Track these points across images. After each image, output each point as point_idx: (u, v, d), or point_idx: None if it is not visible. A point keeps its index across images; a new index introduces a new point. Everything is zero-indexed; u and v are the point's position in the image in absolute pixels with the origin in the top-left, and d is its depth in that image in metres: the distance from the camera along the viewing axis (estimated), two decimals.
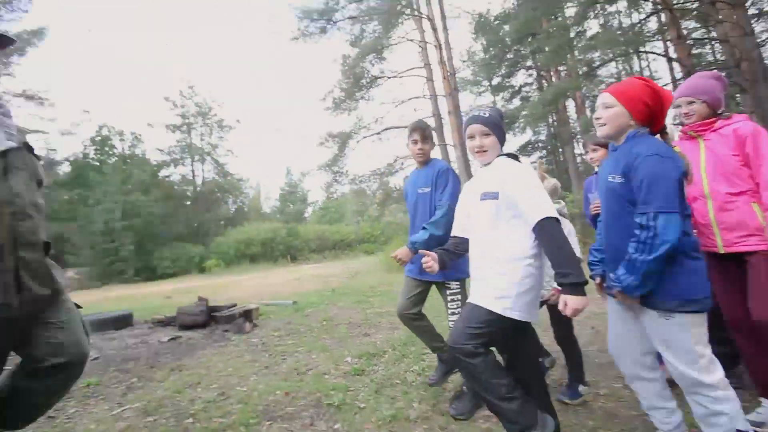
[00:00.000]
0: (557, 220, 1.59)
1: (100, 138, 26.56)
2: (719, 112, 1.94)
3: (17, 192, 1.47)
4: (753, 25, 13.85)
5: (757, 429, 1.80)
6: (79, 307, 1.77)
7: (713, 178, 1.88)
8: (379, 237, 23.93)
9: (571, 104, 18.54)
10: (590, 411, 2.22)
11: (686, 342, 1.46)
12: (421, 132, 2.58)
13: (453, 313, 2.40)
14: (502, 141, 1.82)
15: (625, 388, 2.43)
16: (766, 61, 11.07)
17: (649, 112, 1.56)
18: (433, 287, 2.62)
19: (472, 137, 1.80)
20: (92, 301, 11.26)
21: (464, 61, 22.36)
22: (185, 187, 30.74)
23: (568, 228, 2.49)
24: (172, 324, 5.67)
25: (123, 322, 5.87)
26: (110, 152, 26.74)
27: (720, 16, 10.85)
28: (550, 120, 20.62)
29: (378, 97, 21.09)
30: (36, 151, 1.68)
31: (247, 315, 5.44)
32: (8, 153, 1.49)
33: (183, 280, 19.21)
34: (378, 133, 17.17)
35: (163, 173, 29.45)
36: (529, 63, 19.95)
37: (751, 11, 15.15)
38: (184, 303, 7.20)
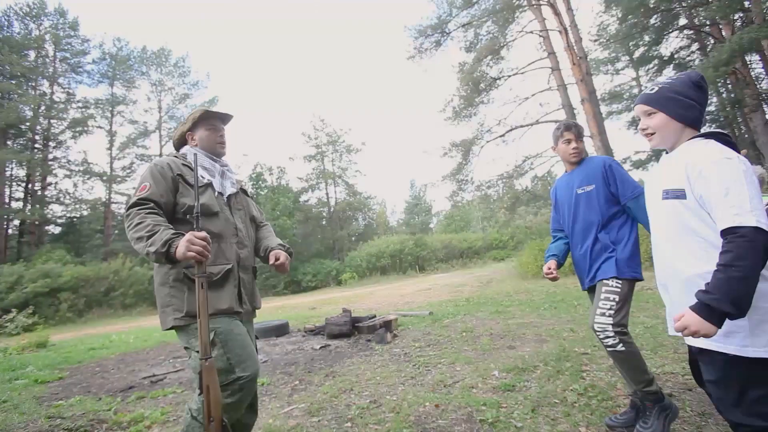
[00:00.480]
0: (754, 229, 1.13)
1: (255, 174, 31.86)
2: None
3: (239, 227, 1.92)
4: None
5: None
6: None
7: None
8: (508, 242, 22.58)
9: (755, 60, 14.60)
10: None
11: None
12: (576, 130, 2.39)
13: (602, 314, 2.06)
14: (687, 117, 1.40)
15: None
16: None
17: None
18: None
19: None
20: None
21: (595, 41, 19.84)
22: (321, 209, 34.47)
23: None
24: (322, 333, 6.29)
25: (281, 330, 6.78)
26: (263, 185, 31.81)
27: None
28: (720, 86, 16.57)
29: (498, 99, 20.37)
30: (249, 193, 2.23)
31: (387, 325, 5.68)
32: (231, 197, 1.97)
33: (323, 292, 21.34)
34: (502, 136, 16.41)
35: (302, 198, 33.69)
36: (682, 22, 16.52)
37: None
38: (327, 312, 7.96)
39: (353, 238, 34.26)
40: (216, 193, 1.89)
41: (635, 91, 20.70)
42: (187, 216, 1.77)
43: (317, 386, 3.66)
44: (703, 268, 1.26)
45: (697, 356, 1.37)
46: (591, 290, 2.36)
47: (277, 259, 1.91)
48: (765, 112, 14.21)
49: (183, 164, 1.90)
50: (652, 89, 1.48)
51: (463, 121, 17.03)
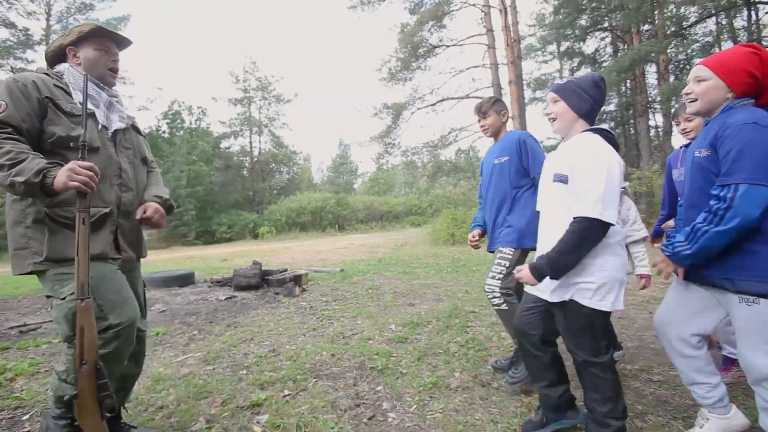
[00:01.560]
0: (594, 222, 1.42)
1: (171, 113, 28.42)
2: None
3: (124, 168, 1.71)
4: None
5: None
6: None
7: None
8: (426, 209, 23.72)
9: (651, 70, 16.62)
10: (640, 395, 2.10)
11: (765, 332, 1.32)
12: (477, 111, 2.53)
13: (492, 277, 2.33)
14: (581, 109, 1.61)
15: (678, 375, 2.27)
16: None
17: (755, 83, 1.38)
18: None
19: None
20: (159, 260, 12.46)
21: (532, 26, 20.76)
22: (243, 158, 32.29)
23: (628, 204, 2.32)
24: (229, 284, 6.12)
25: (186, 280, 6.45)
26: (180, 125, 28.59)
27: None
28: (623, 88, 18.70)
29: (435, 67, 20.45)
30: (142, 131, 1.95)
31: (297, 280, 5.73)
32: (118, 133, 1.74)
33: (238, 245, 20.55)
34: (433, 105, 16.73)
35: (224, 144, 31.14)
36: (605, 25, 18.00)
37: None
38: (239, 265, 7.75)
39: (275, 192, 33.02)
40: (99, 126, 1.65)
41: (558, 82, 22.32)
42: (58, 149, 1.52)
43: (217, 336, 3.61)
44: None
45: (551, 307, 1.65)
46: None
47: (144, 212, 1.69)
48: (649, 119, 16.51)
49: (56, 85, 1.60)
50: (562, 80, 1.72)
51: (398, 84, 16.95)
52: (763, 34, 13.33)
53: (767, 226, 1.29)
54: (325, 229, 25.51)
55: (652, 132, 16.25)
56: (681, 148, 2.36)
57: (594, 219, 1.42)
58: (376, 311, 4.25)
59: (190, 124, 28.89)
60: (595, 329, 1.54)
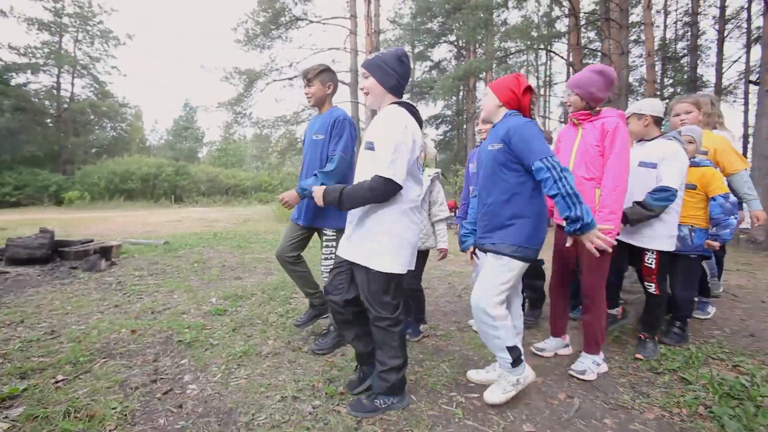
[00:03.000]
0: (387, 180, 1.60)
1: None
2: (594, 106, 2.12)
3: None
4: (630, 48, 16.25)
5: (537, 352, 2.38)
6: None
7: (577, 162, 2.14)
8: (277, 187, 22.85)
9: (481, 85, 19.68)
10: (423, 347, 2.54)
11: (499, 280, 1.74)
12: (304, 76, 2.46)
13: (326, 258, 2.42)
14: (387, 84, 1.73)
15: (458, 330, 2.84)
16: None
17: (516, 97, 1.83)
18: (316, 235, 2.56)
19: None
20: None
21: (391, 22, 21.85)
22: (48, 102, 24.90)
23: (438, 188, 2.71)
24: (1, 258, 4.75)
25: None
26: None
27: (609, 33, 12.37)
28: (460, 96, 21.67)
29: (297, 40, 19.63)
30: None
31: (105, 252, 4.84)
32: None
33: (31, 211, 16.08)
34: (290, 79, 16.11)
35: (17, 80, 23.17)
36: (452, 38, 20.39)
37: (633, 37, 17.83)
38: (25, 235, 6.08)
39: (93, 151, 26.83)
40: None
41: (409, 79, 24.28)
42: None
43: None
44: (396, 202, 1.71)
45: (353, 267, 1.78)
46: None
47: None
48: (475, 125, 19.55)
49: None
50: (371, 56, 1.80)
51: (255, 50, 15.73)
52: (554, 69, 17.28)
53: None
54: (158, 200, 22.09)
55: (478, 138, 19.35)
56: (477, 146, 2.89)
57: (387, 178, 1.58)
58: (198, 285, 3.94)
59: None
60: (389, 289, 1.72)
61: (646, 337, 2.40)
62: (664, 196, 2.15)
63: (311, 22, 15.85)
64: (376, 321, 1.74)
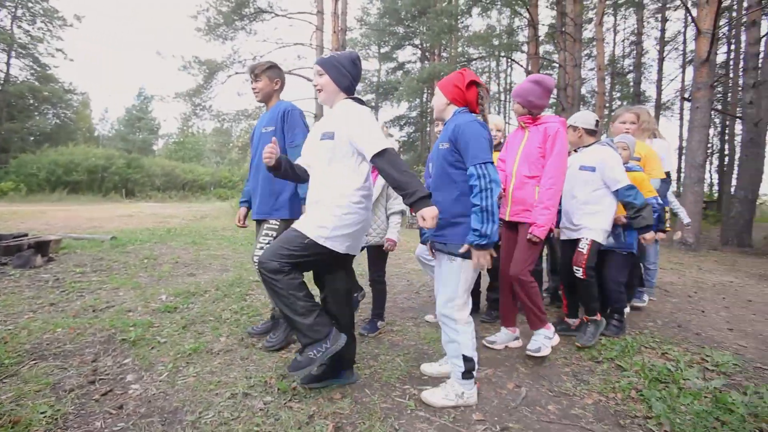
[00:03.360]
0: (393, 150, 1.65)
1: None
2: (533, 112, 2.28)
3: None
4: (583, 61, 17.26)
5: (488, 344, 2.46)
6: None
7: (521, 162, 2.29)
8: (238, 183, 22.10)
9: None
10: (380, 342, 2.55)
11: (457, 282, 1.77)
12: (250, 72, 2.48)
13: (261, 249, 2.33)
14: (341, 84, 1.81)
15: (415, 325, 2.89)
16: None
17: (461, 92, 1.85)
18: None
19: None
20: None
21: (358, 21, 21.82)
22: None
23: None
24: None
25: None
26: None
27: (565, 46, 13.06)
28: (424, 98, 22.02)
29: (261, 33, 19.12)
30: None
31: (42, 247, 4.47)
32: None
33: None
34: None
35: None
36: (417, 41, 20.68)
37: (586, 51, 18.99)
38: None
39: (33, 138, 24.68)
40: None
41: (374, 79, 24.38)
42: None
43: None
44: (349, 186, 1.74)
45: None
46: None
47: None
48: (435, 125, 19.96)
49: None
50: (326, 55, 1.86)
51: (217, 40, 15.15)
52: (515, 78, 18.04)
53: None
54: (107, 194, 20.72)
55: None
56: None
57: (389, 147, 1.63)
58: (147, 282, 3.74)
59: None
60: (296, 249, 1.66)
61: (587, 319, 2.59)
62: (634, 192, 2.43)
63: (277, 15, 15.50)
64: (261, 267, 1.66)
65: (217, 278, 3.98)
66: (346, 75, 1.81)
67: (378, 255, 2.72)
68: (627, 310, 3.10)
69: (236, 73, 15.31)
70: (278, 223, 2.38)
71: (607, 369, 2.21)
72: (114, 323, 2.59)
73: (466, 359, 1.77)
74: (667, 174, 3.20)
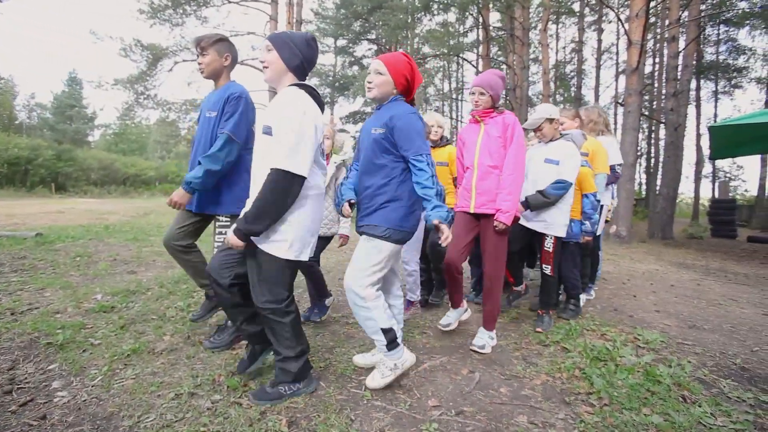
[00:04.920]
0: (286, 174, 1.50)
1: None
2: (497, 105, 2.35)
3: None
4: (530, 63, 18.17)
5: (444, 328, 2.49)
6: None
7: (482, 153, 2.30)
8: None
9: None
10: (334, 335, 2.52)
11: (369, 262, 1.74)
12: (197, 44, 2.20)
13: (217, 248, 2.20)
14: (290, 63, 1.65)
15: None
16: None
17: (407, 84, 1.83)
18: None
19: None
20: None
21: (316, 14, 21.35)
22: None
23: (343, 175, 2.69)
24: None
25: None
26: None
27: (514, 48, 13.64)
28: None
29: (213, 20, 18.11)
30: None
31: None
32: None
33: None
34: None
35: None
36: (373, 36, 20.64)
37: (532, 55, 20.05)
38: None
39: None
40: None
41: (330, 74, 24.03)
42: None
43: None
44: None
45: (246, 251, 1.65)
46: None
47: None
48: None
49: None
50: (278, 32, 1.71)
51: (162, 24, 14.12)
52: (466, 78, 18.62)
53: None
54: (33, 188, 18.77)
55: None
56: None
57: (286, 171, 1.49)
58: (80, 281, 3.42)
59: None
60: (281, 276, 1.62)
61: (543, 312, 2.76)
62: (560, 186, 2.53)
63: (230, 1, 14.75)
64: (265, 311, 1.62)
65: (161, 275, 3.72)
66: (297, 54, 1.65)
67: (320, 246, 2.63)
68: (584, 296, 3.27)
69: (184, 60, 14.38)
70: (229, 219, 2.25)
71: (553, 351, 2.33)
72: (37, 326, 2.33)
73: (386, 331, 1.76)
74: (611, 168, 3.42)
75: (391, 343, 1.78)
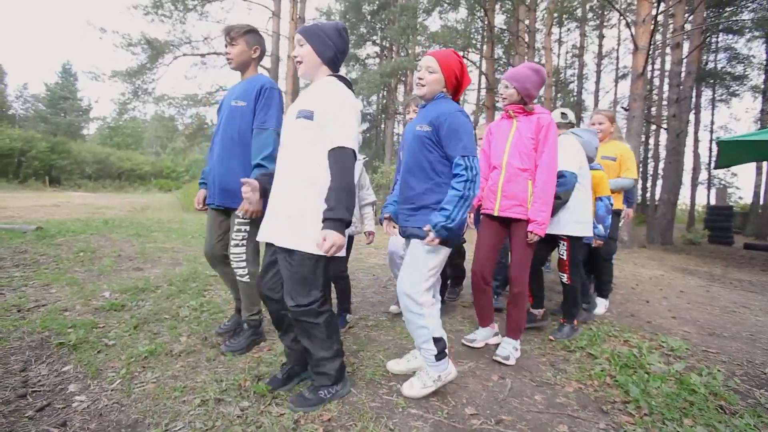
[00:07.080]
0: (354, 153, 1.50)
1: None
2: (529, 102, 2.19)
3: None
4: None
5: (467, 343, 2.38)
6: None
7: (512, 153, 2.17)
8: (182, 174, 20.48)
9: (401, 87, 20.21)
10: (357, 338, 2.45)
11: (426, 266, 1.69)
12: (227, 33, 2.13)
13: (236, 245, 2.08)
14: (324, 55, 1.62)
15: (388, 320, 2.81)
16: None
17: (456, 83, 1.79)
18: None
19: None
20: None
21: (321, 15, 21.24)
22: None
23: (364, 173, 2.62)
24: None
25: None
26: None
27: (518, 50, 13.65)
28: (380, 96, 22.02)
29: (214, 15, 17.86)
30: None
31: None
32: None
33: None
34: (203, 55, 14.62)
35: None
36: (376, 38, 20.58)
37: (535, 59, 20.17)
38: None
39: None
40: None
41: None
42: None
43: None
44: (326, 176, 1.53)
45: (279, 253, 1.59)
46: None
47: None
48: (395, 126, 20.11)
49: None
50: (309, 24, 1.66)
51: (164, 19, 13.93)
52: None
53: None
54: (26, 181, 18.46)
55: (395, 137, 19.89)
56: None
57: (346, 147, 1.48)
58: (86, 277, 3.31)
59: None
60: (314, 274, 1.55)
61: (565, 321, 2.64)
62: (561, 182, 2.32)
63: None
64: (299, 314, 1.56)
65: (169, 272, 3.62)
66: (330, 46, 1.62)
67: (347, 247, 2.59)
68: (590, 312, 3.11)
69: (184, 54, 14.21)
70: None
71: (579, 357, 2.28)
72: (47, 325, 2.24)
73: (437, 341, 1.70)
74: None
75: (440, 354, 1.71)
